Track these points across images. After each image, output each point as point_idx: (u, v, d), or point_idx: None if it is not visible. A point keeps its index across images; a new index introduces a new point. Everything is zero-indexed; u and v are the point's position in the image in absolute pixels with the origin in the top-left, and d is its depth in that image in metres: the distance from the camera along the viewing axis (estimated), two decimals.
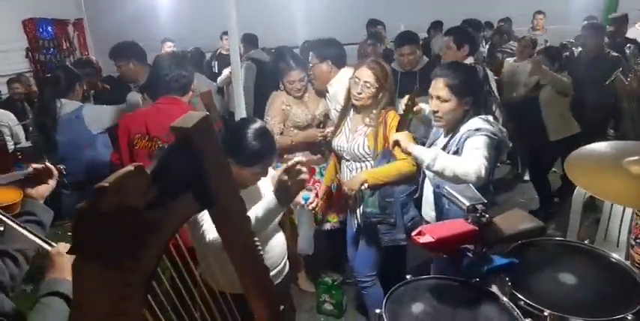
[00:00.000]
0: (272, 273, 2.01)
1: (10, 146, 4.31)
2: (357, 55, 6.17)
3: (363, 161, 2.62)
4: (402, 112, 2.26)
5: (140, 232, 0.79)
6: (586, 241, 1.96)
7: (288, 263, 2.14)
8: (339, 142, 2.69)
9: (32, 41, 6.81)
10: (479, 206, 1.58)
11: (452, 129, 2.24)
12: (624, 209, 2.39)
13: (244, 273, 1.03)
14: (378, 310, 1.54)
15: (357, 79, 2.54)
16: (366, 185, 2.50)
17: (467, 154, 2.04)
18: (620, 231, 2.41)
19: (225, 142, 1.78)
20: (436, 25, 7.14)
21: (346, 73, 3.09)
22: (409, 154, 2.08)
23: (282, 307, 1.14)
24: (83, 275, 0.74)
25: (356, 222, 2.71)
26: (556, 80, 3.96)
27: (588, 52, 4.39)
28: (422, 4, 7.77)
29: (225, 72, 5.19)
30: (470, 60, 3.43)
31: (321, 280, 3.16)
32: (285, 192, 1.61)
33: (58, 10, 7.03)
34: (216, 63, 6.16)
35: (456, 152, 2.11)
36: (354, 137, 2.62)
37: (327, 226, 3.14)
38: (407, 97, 2.28)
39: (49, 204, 1.67)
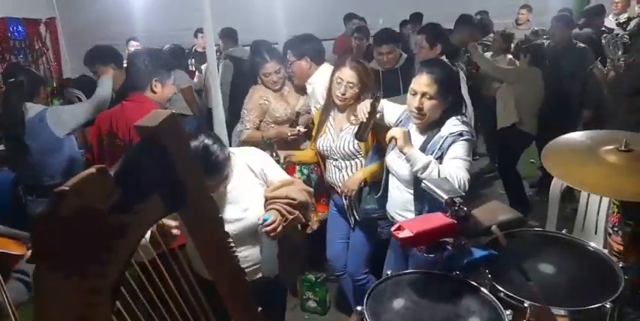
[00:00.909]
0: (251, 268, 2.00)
1: None
2: (332, 50, 6.14)
3: (353, 159, 2.58)
4: (364, 119, 2.20)
5: (105, 236, 0.76)
6: (564, 231, 1.97)
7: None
8: (325, 143, 2.64)
9: (3, 42, 6.64)
10: (457, 199, 1.58)
11: (428, 128, 2.18)
12: (601, 198, 2.42)
13: (218, 275, 1.01)
14: (359, 308, 1.53)
15: (339, 80, 2.50)
16: (362, 184, 2.52)
17: (451, 163, 2.01)
18: (597, 220, 2.44)
19: None
20: (415, 19, 7.05)
21: (325, 69, 3.07)
22: (403, 153, 2.02)
23: (259, 308, 1.12)
24: (46, 284, 0.71)
25: (352, 220, 2.68)
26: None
27: (556, 43, 4.43)
28: None
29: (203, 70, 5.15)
30: (442, 59, 3.40)
31: (304, 277, 3.15)
32: None
33: (29, 9, 6.87)
34: (192, 60, 6.08)
35: (440, 157, 2.07)
36: (340, 136, 2.58)
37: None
38: (367, 101, 2.24)
39: (14, 213, 1.62)
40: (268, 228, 1.84)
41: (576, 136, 1.98)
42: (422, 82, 2.10)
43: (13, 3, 6.61)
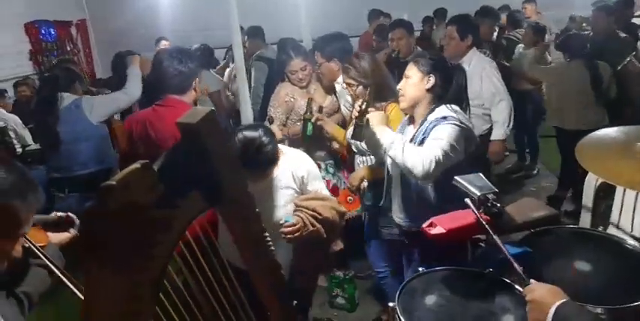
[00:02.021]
0: None
1: (18, 149, 4.33)
2: (357, 46, 6.13)
3: (368, 155, 2.62)
4: (354, 118, 2.17)
5: (150, 230, 0.78)
6: (600, 228, 1.93)
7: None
8: (349, 135, 2.69)
9: (35, 44, 6.82)
10: (490, 196, 1.56)
11: (418, 118, 2.15)
12: (637, 194, 2.36)
13: (256, 269, 1.02)
14: (391, 304, 1.53)
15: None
16: (365, 182, 2.55)
17: (427, 144, 1.95)
18: (633, 217, 2.38)
19: None
20: (439, 14, 7.03)
21: None
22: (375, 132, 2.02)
23: (294, 301, 1.13)
24: (95, 276, 0.74)
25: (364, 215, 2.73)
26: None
27: (597, 34, 4.32)
28: None
29: (227, 72, 5.18)
30: (473, 51, 3.36)
31: (333, 274, 3.15)
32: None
33: (60, 11, 7.03)
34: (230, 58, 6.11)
35: (422, 142, 2.00)
36: None
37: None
38: (359, 101, 2.23)
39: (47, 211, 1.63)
40: (286, 229, 1.88)
41: (611, 131, 1.93)
42: (407, 68, 2.15)
43: (43, 5, 6.76)
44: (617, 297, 1.54)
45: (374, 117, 2.01)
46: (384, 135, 1.96)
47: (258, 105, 4.37)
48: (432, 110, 2.07)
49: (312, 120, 2.85)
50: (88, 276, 0.73)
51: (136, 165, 0.74)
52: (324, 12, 6.81)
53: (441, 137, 1.92)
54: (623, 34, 4.17)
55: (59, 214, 1.58)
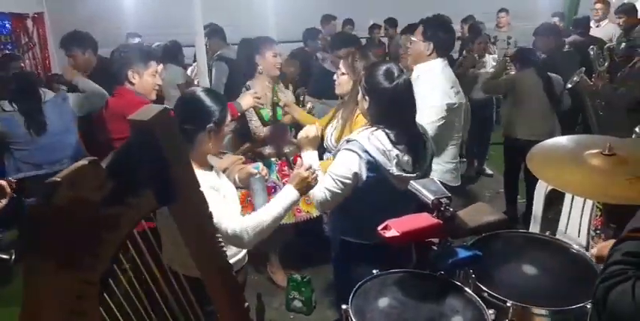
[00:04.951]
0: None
1: None
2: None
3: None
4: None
5: (97, 228, 0.77)
6: (547, 233, 2.00)
7: (246, 258, 2.10)
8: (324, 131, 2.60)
9: None
10: (443, 200, 1.60)
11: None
12: (585, 201, 2.45)
13: (207, 271, 1.01)
14: (344, 306, 1.54)
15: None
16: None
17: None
18: (580, 222, 2.47)
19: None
20: (391, 23, 7.05)
21: None
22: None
23: (247, 304, 1.13)
24: (38, 275, 0.72)
25: None
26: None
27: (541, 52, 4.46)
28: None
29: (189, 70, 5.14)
30: (434, 57, 3.37)
31: (291, 276, 3.15)
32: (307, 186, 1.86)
33: (16, 3, 6.79)
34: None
35: None
36: (328, 129, 2.58)
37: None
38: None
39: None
40: (264, 172, 2.18)
41: (562, 140, 2.00)
42: None
43: None
44: (562, 299, 1.60)
45: (304, 136, 2.15)
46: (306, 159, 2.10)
47: None
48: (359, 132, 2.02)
49: (281, 104, 2.93)
50: (30, 274, 0.71)
51: (84, 161, 0.73)
52: (292, 13, 6.81)
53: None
54: (567, 48, 4.33)
55: None
